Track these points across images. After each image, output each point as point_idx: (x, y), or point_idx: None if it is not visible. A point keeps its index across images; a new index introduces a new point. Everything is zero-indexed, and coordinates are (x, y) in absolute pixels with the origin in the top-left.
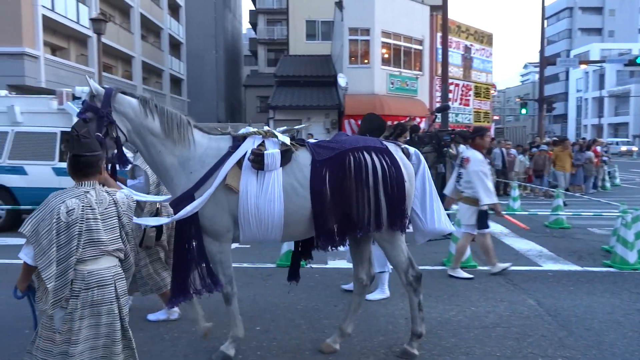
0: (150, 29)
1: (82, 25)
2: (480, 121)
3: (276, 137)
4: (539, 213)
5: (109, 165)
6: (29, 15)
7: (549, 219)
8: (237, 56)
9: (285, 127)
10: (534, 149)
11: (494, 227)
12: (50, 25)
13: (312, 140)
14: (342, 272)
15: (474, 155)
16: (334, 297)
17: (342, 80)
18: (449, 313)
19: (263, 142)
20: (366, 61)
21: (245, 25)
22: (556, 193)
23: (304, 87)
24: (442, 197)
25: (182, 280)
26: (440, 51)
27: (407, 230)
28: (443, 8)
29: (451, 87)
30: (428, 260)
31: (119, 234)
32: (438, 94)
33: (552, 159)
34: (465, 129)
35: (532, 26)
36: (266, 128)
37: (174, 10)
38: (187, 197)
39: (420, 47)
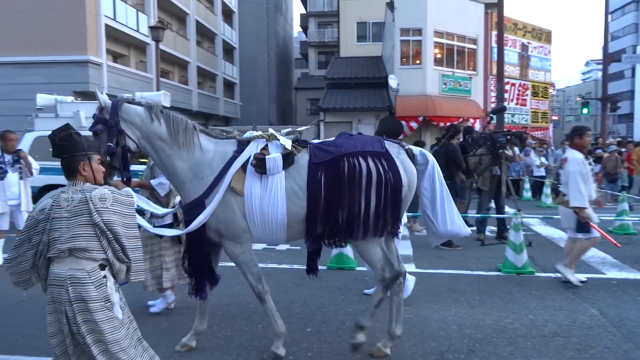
0: (205, 35)
1: (142, 33)
2: (537, 122)
3: (279, 140)
4: (601, 218)
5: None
6: (93, 25)
7: (613, 225)
8: (288, 59)
9: (289, 129)
10: (598, 150)
11: (555, 232)
12: (112, 34)
13: (315, 141)
14: None
15: (572, 155)
16: (385, 301)
17: (393, 82)
18: (505, 320)
19: (266, 145)
20: (418, 62)
21: (297, 28)
22: (621, 197)
23: (355, 89)
24: (492, 200)
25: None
26: (495, 50)
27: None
28: (499, 6)
29: (507, 87)
30: (483, 265)
31: (85, 232)
32: (493, 94)
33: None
34: (521, 130)
35: (595, 21)
36: (270, 131)
37: (227, 16)
38: (199, 203)
39: (474, 46)
